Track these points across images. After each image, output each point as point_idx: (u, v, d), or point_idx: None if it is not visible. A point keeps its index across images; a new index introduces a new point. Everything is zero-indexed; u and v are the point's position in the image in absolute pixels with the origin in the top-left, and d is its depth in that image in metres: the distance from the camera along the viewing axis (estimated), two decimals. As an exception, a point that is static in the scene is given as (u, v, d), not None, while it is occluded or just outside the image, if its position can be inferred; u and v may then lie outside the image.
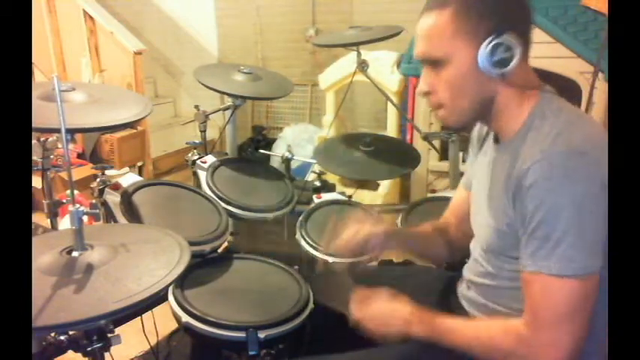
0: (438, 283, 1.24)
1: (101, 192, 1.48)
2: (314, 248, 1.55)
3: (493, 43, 0.85)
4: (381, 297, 1.03)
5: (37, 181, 1.45)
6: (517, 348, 0.86)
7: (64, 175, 2.55)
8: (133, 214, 1.41)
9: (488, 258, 1.00)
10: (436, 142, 2.62)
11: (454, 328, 0.93)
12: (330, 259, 1.51)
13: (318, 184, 1.98)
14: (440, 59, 0.90)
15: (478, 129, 1.12)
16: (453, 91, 0.92)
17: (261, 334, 1.15)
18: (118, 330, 0.96)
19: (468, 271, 1.09)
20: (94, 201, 1.48)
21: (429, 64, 0.93)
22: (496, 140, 0.99)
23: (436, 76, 0.92)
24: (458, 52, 0.88)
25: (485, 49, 0.86)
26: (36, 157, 1.41)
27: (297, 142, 3.51)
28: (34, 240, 1.00)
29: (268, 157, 2.93)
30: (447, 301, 1.14)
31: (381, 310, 1.01)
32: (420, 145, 2.46)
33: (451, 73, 0.90)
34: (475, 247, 1.07)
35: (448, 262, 1.36)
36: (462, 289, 1.11)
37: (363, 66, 2.05)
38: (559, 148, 0.81)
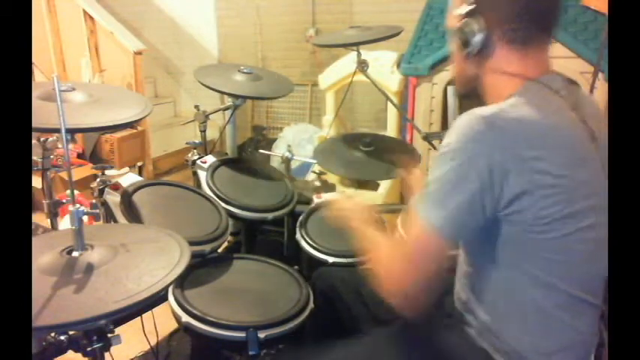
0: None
1: (101, 192, 1.48)
2: (314, 248, 1.55)
3: (462, 22, 0.90)
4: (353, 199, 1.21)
5: (37, 181, 1.45)
6: (383, 264, 0.93)
7: (64, 175, 2.55)
8: (133, 214, 1.41)
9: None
10: (436, 142, 2.62)
11: (367, 237, 1.03)
12: (330, 259, 1.51)
13: (318, 184, 1.98)
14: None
15: None
16: (454, 60, 1.00)
17: (261, 334, 1.15)
18: (118, 330, 0.96)
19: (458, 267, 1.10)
20: (94, 201, 1.48)
21: None
22: None
23: None
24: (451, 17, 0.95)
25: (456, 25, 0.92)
26: (36, 157, 1.41)
27: (297, 142, 3.51)
28: (34, 240, 1.00)
29: (268, 157, 2.93)
30: (441, 302, 1.13)
31: (347, 203, 1.20)
32: (420, 145, 2.46)
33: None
34: None
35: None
36: (457, 288, 1.11)
37: (363, 66, 2.04)
38: (482, 111, 0.84)
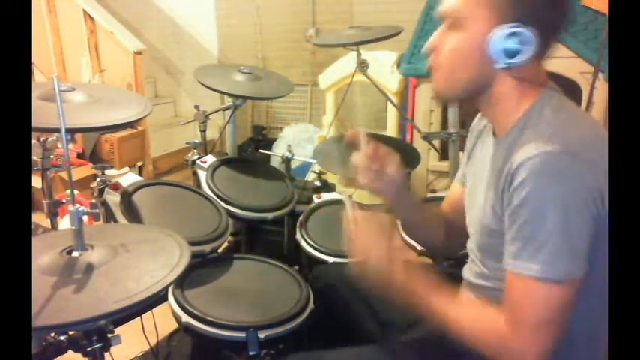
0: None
1: (101, 192, 1.48)
2: (314, 248, 1.55)
3: (511, 30, 0.83)
4: (375, 226, 0.98)
5: (37, 181, 1.45)
6: (495, 344, 0.84)
7: (64, 175, 2.55)
8: (133, 214, 1.41)
9: (482, 257, 0.99)
10: (436, 142, 2.63)
11: (437, 306, 0.91)
12: (330, 259, 1.51)
13: (318, 184, 1.98)
14: (457, 21, 0.88)
15: (477, 121, 1.11)
16: (454, 59, 0.90)
17: (261, 334, 1.15)
18: (118, 330, 0.96)
19: (467, 272, 1.08)
20: (94, 201, 1.48)
21: (446, 22, 0.91)
22: (494, 134, 0.98)
23: (447, 37, 0.90)
24: (476, 22, 0.86)
25: (500, 32, 0.83)
26: (36, 157, 1.41)
27: (297, 142, 3.51)
28: (34, 240, 1.00)
29: (268, 157, 2.93)
30: None
31: (373, 245, 0.96)
32: (420, 145, 2.46)
33: (461, 40, 0.88)
34: (471, 246, 1.06)
35: (448, 258, 1.36)
36: (462, 292, 1.10)
37: (363, 66, 2.05)
38: (553, 148, 0.79)
